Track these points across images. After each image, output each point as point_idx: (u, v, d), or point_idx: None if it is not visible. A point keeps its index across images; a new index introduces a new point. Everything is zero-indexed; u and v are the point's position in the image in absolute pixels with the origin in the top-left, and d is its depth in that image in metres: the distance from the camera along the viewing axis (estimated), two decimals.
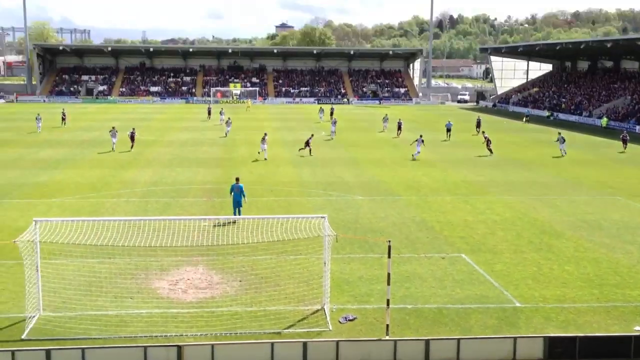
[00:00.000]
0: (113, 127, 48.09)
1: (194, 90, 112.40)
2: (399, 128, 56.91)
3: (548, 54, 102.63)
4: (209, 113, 73.96)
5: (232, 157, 43.68)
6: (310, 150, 44.18)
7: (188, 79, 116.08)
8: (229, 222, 23.67)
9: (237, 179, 25.74)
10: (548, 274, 19.68)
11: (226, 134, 55.99)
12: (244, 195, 25.23)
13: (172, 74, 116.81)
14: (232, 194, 25.35)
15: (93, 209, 27.61)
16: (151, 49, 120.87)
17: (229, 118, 60.97)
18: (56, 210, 27.05)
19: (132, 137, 46.48)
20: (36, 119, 58.62)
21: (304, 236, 17.65)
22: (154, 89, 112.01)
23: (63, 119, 63.69)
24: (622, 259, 21.31)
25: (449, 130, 55.05)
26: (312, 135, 46.57)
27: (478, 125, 60.00)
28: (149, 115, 78.31)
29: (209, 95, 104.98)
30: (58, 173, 36.57)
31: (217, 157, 43.62)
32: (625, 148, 48.87)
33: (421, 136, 44.60)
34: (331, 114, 72.80)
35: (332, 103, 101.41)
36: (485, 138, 46.67)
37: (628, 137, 50.30)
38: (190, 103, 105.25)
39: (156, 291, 17.83)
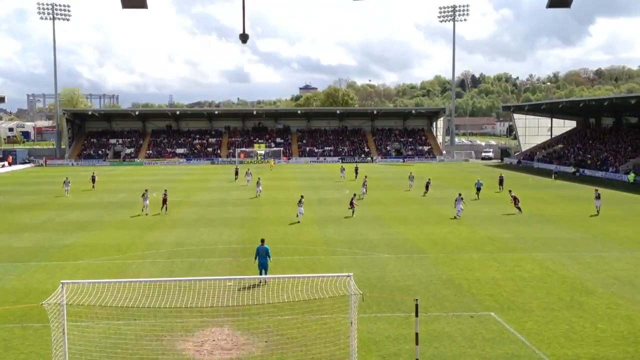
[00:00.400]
0: (146, 190, 47.73)
1: (219, 151, 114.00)
2: (427, 187, 56.71)
3: (572, 111, 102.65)
4: (236, 174, 74.10)
5: (256, 217, 43.82)
6: (353, 211, 43.31)
7: (213, 140, 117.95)
8: (254, 283, 23.57)
9: (263, 241, 25.31)
10: (580, 332, 19.15)
11: (258, 194, 55.41)
12: (269, 257, 24.76)
13: (197, 136, 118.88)
14: (258, 256, 24.81)
15: (119, 270, 27.73)
16: (177, 112, 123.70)
17: (259, 178, 60.41)
18: (83, 272, 27.22)
19: (164, 200, 46.01)
20: (64, 182, 58.94)
21: (329, 295, 17.50)
22: (179, 150, 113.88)
23: (93, 182, 64.08)
24: None
25: (479, 189, 53.49)
26: (355, 195, 47.03)
27: (500, 182, 59.64)
28: (175, 177, 79.37)
29: (234, 156, 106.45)
30: (85, 235, 36.95)
31: (242, 217, 43.79)
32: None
33: (460, 194, 43.69)
34: (356, 172, 73.10)
35: (356, 162, 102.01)
36: (512, 197, 45.83)
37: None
38: (215, 164, 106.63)
39: (182, 353, 17.66)
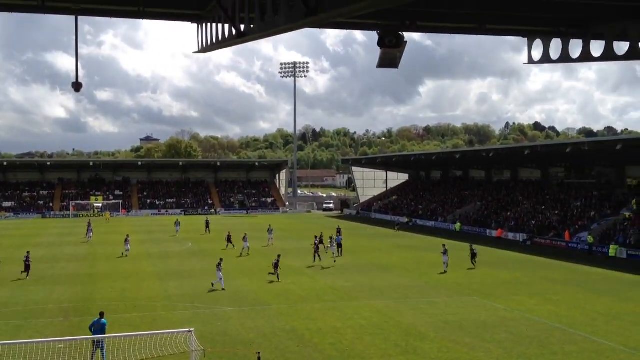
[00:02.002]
0: None
1: (51, 204, 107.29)
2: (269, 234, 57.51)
3: (404, 165, 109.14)
4: (90, 228, 64.53)
5: (92, 273, 41.55)
6: (278, 276, 38.13)
7: (45, 192, 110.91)
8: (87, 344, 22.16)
9: (102, 314, 22.45)
10: None
11: (88, 240, 59.37)
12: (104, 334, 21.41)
13: (27, 188, 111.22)
14: (92, 331, 21.67)
15: None
16: (5, 163, 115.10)
17: (89, 222, 62.81)
18: None
19: (27, 265, 39.42)
20: None
21: (170, 353, 16.95)
22: (7, 204, 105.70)
23: None
24: (483, 357, 22.21)
25: (340, 245, 49.85)
26: (279, 255, 40.02)
27: (339, 232, 60.45)
28: (1, 232, 73.25)
29: (67, 209, 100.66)
30: None
31: (76, 273, 41.28)
32: (474, 264, 43.89)
33: (444, 245, 44.14)
34: (207, 226, 69.51)
35: (200, 214, 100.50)
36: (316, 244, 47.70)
37: (476, 251, 44.76)
38: (47, 217, 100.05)
39: None
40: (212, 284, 35.36)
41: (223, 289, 34.61)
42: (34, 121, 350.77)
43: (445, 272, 41.24)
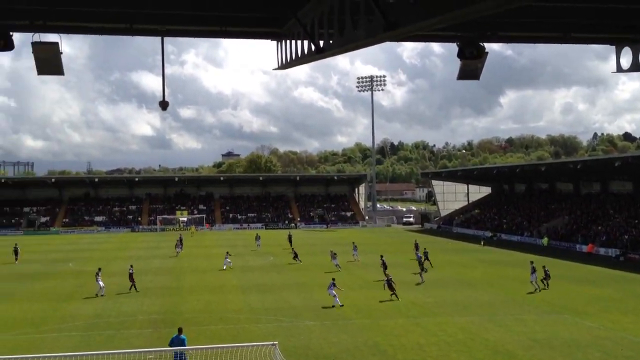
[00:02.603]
0: (99, 269, 40.62)
1: (139, 218, 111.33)
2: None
3: (486, 178, 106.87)
4: (181, 242, 65.30)
5: (178, 286, 42.71)
6: (395, 295, 36.50)
7: (134, 207, 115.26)
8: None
9: (180, 330, 22.42)
10: None
11: (177, 254, 61.42)
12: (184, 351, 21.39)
13: (117, 203, 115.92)
14: (171, 346, 21.66)
15: (31, 346, 26.21)
16: (96, 180, 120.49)
17: (180, 237, 65.42)
18: None
19: (130, 276, 40.70)
20: None
21: None
22: (98, 218, 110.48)
23: (16, 255, 58.40)
24: None
25: (421, 261, 48.82)
26: (389, 278, 37.90)
27: (416, 248, 59.83)
28: (93, 246, 76.60)
29: (155, 224, 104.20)
30: None
31: (163, 286, 42.56)
32: (547, 285, 40.13)
33: (532, 262, 41.35)
34: (290, 241, 68.96)
35: (280, 228, 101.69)
36: (383, 262, 44.65)
37: (549, 272, 40.91)
38: (136, 231, 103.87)
39: None
40: (333, 305, 34.21)
41: (341, 305, 33.99)
42: (122, 139, 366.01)
43: (538, 290, 38.90)
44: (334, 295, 34.62)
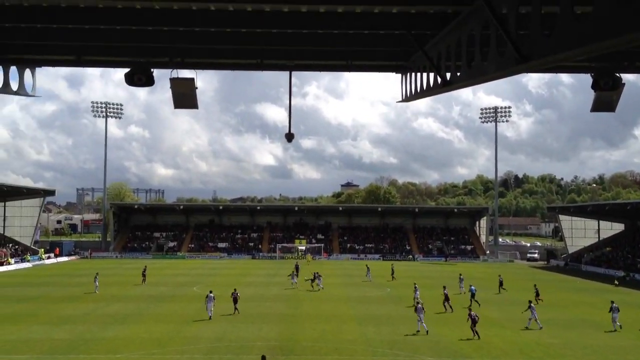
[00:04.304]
0: (210, 292, 42.40)
1: (260, 246, 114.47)
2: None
3: (619, 214, 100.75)
4: (297, 270, 64.28)
5: (295, 314, 43.29)
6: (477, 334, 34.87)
7: (255, 235, 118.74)
8: None
9: (264, 358, 22.28)
10: None
11: (293, 285, 59.51)
12: None
13: (239, 231, 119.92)
14: None
15: None
16: (220, 207, 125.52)
17: (297, 267, 65.93)
18: None
19: (235, 299, 42.66)
20: (95, 278, 55.60)
21: None
22: (221, 245, 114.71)
23: (144, 276, 62.46)
24: None
25: (473, 295, 48.51)
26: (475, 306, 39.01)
27: (501, 284, 58.22)
28: (216, 271, 79.55)
29: (274, 251, 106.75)
30: (124, 328, 36.93)
31: (280, 313, 43.32)
32: None
33: (530, 302, 40.33)
34: (392, 272, 68.75)
35: (397, 259, 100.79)
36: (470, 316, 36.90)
37: None
38: (256, 259, 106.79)
39: None
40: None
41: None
42: (245, 168, 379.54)
43: (614, 330, 36.38)
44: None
